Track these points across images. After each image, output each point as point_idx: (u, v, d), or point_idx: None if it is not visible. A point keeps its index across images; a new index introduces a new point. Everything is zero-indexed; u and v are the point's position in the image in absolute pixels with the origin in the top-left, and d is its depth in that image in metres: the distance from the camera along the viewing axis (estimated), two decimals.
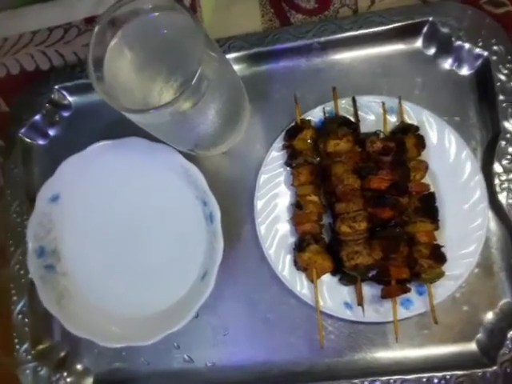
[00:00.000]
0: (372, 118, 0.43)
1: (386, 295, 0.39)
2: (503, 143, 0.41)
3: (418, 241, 0.39)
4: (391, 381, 0.39)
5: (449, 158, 0.42)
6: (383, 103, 0.43)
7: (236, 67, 0.46)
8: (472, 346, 0.41)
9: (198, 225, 0.42)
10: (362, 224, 0.39)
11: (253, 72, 0.47)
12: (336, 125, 0.42)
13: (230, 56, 0.46)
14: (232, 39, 0.46)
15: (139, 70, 0.34)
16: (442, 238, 0.40)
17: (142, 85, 0.34)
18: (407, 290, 0.39)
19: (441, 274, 0.39)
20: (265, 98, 0.46)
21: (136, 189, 0.44)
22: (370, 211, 0.40)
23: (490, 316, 0.41)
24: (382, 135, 0.42)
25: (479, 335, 0.41)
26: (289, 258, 0.42)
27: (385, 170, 0.40)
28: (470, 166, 0.41)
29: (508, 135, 0.41)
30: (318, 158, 0.43)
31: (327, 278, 0.41)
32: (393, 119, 0.43)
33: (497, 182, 0.41)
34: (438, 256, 0.38)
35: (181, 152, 0.42)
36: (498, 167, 0.41)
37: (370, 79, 0.45)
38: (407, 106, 0.43)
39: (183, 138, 0.38)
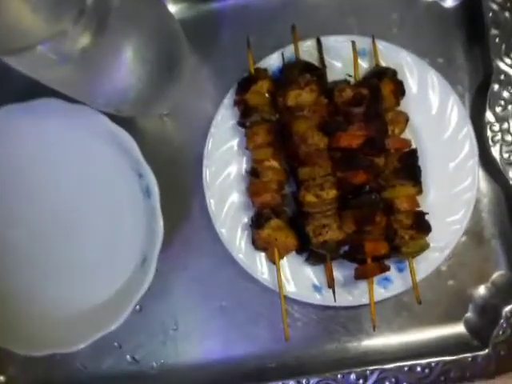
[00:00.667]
0: (340, 63, 0.38)
1: (360, 276, 0.35)
2: (496, 87, 0.37)
3: (398, 208, 0.36)
4: (367, 372, 0.37)
5: (432, 106, 0.38)
6: (353, 43, 0.38)
7: (174, 9, 0.41)
8: (460, 328, 0.39)
9: (134, 202, 0.37)
10: (330, 192, 0.35)
11: (196, 13, 0.41)
12: (297, 71, 0.37)
13: None
14: None
15: (34, 8, 0.26)
16: (425, 203, 0.37)
17: (42, 27, 0.26)
18: (386, 269, 0.35)
19: (425, 246, 0.36)
20: (212, 46, 0.41)
21: (56, 161, 0.38)
22: (340, 176, 0.36)
23: (480, 291, 0.39)
24: (352, 82, 0.38)
25: (468, 314, 0.39)
26: (246, 236, 0.38)
27: (356, 125, 0.35)
28: (456, 116, 0.37)
29: (502, 77, 0.37)
30: (277, 115, 0.38)
31: (291, 258, 0.38)
32: (365, 64, 0.39)
33: (489, 133, 0.37)
34: (421, 225, 0.35)
35: (114, 116, 0.35)
36: (490, 116, 0.37)
37: (338, 17, 0.40)
38: (382, 45, 0.38)
39: (97, 91, 0.32)
